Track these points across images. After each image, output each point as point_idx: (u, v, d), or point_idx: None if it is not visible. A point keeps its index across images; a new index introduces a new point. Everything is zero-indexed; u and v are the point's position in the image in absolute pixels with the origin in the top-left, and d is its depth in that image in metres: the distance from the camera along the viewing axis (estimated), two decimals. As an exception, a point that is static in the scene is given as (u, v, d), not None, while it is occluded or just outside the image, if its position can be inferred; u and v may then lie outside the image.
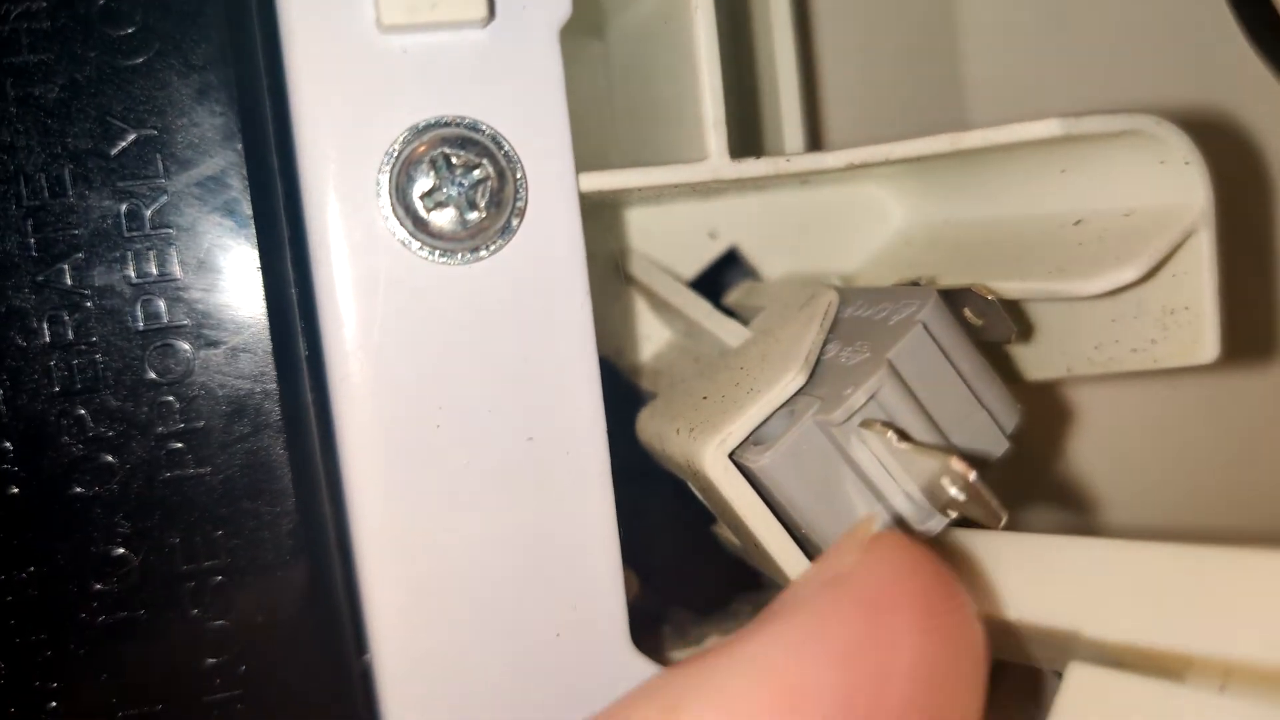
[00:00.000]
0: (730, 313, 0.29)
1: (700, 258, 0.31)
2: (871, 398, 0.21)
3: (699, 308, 0.28)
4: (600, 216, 0.29)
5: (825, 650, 0.15)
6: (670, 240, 0.31)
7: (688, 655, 0.27)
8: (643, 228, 0.31)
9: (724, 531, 0.28)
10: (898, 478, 0.21)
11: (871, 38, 0.35)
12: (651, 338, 0.32)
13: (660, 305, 0.30)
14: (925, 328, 0.22)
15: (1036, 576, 0.19)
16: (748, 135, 0.31)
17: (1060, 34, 0.35)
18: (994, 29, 0.35)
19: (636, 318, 0.31)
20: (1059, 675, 0.18)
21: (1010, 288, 0.24)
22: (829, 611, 0.15)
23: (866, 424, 0.21)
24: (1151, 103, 0.28)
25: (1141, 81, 0.35)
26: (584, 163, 0.22)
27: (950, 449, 0.21)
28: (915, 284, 0.26)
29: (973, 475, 0.18)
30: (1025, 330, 0.27)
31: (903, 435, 0.20)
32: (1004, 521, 0.18)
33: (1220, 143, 0.22)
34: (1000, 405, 0.22)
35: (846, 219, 0.32)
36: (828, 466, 0.21)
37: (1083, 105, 0.23)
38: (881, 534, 0.17)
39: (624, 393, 0.30)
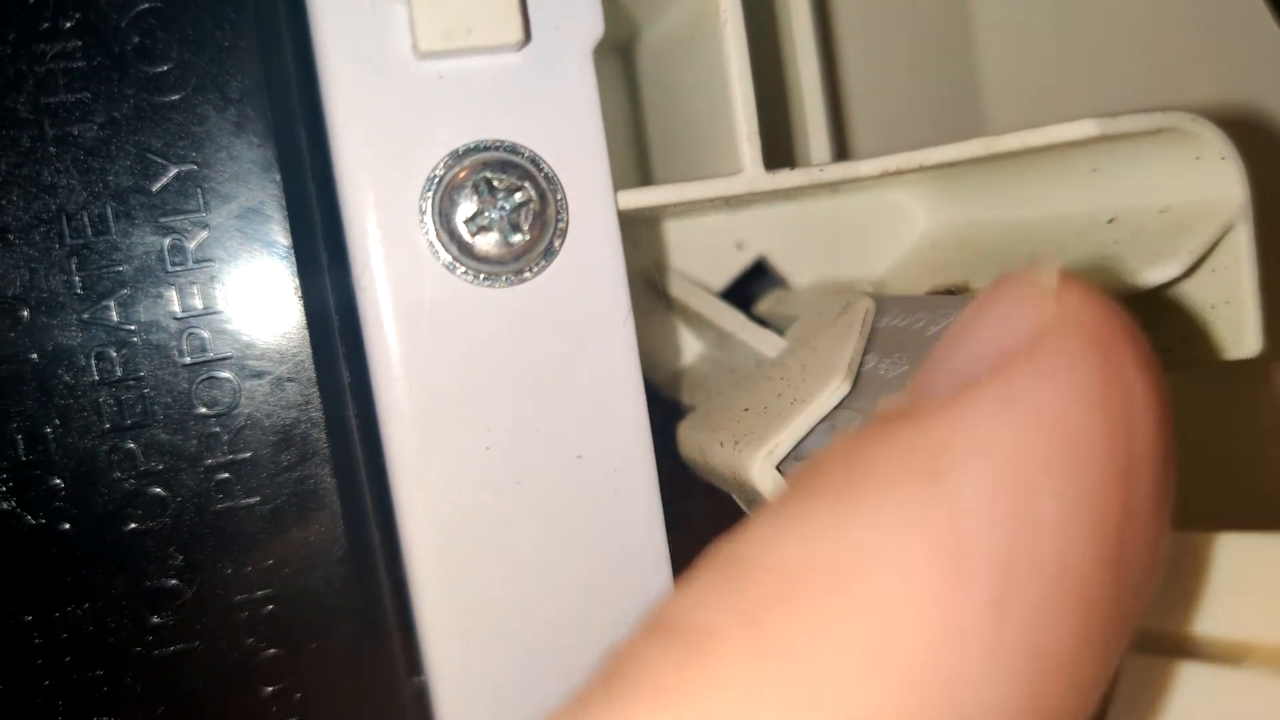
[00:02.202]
0: (762, 323, 0.29)
1: (728, 269, 0.32)
2: (916, 408, 0.21)
3: (734, 320, 0.28)
4: (632, 233, 0.30)
5: (1088, 394, 0.13)
6: (698, 252, 0.31)
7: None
8: (670, 241, 0.31)
9: (767, 542, 0.28)
10: None
11: (888, 43, 0.35)
12: (683, 350, 0.32)
13: (692, 318, 0.30)
14: None
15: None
16: (775, 146, 0.31)
17: (1076, 34, 0.35)
18: (1009, 31, 0.35)
19: (669, 331, 0.31)
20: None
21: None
22: (1071, 356, 0.13)
23: None
24: (1172, 99, 0.28)
25: (1159, 78, 0.35)
26: (615, 180, 0.22)
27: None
28: (950, 292, 0.26)
29: None
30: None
31: None
32: None
33: (1252, 136, 0.23)
34: (1043, 409, 0.22)
35: (871, 224, 0.32)
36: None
37: (1099, 104, 0.23)
38: (1066, 282, 0.14)
39: (660, 406, 0.30)
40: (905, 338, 0.23)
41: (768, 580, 0.12)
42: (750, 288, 0.32)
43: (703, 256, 0.31)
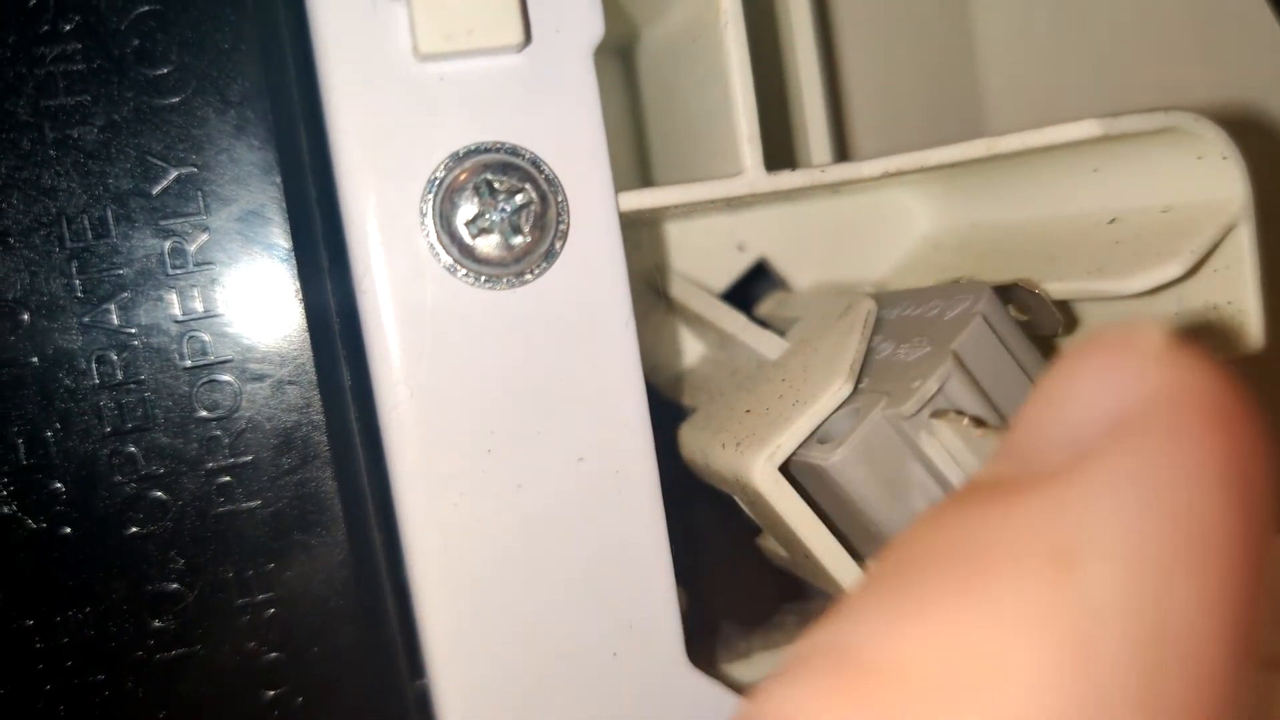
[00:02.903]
0: (763, 324, 0.29)
1: (730, 270, 0.31)
2: (941, 388, 0.21)
3: (735, 321, 0.28)
4: (633, 235, 0.30)
5: (1217, 474, 0.12)
6: (699, 254, 0.31)
7: (736, 668, 0.27)
8: (670, 242, 0.31)
9: (769, 543, 0.28)
10: (967, 468, 0.21)
11: (889, 44, 0.35)
12: (684, 352, 0.32)
13: (694, 320, 0.30)
14: (985, 319, 0.22)
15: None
16: (776, 147, 0.31)
17: (1076, 34, 0.35)
18: (1009, 32, 0.35)
19: (671, 333, 0.31)
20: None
21: (1048, 289, 0.24)
22: (1194, 430, 0.12)
23: (938, 414, 0.21)
24: (1173, 99, 0.28)
25: (1160, 78, 0.35)
26: (616, 182, 0.22)
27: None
28: (957, 283, 0.26)
29: None
30: (1069, 325, 0.27)
31: (978, 421, 0.20)
32: None
33: (1254, 136, 0.23)
34: (1057, 394, 0.22)
35: (873, 226, 0.32)
36: (897, 460, 0.21)
37: (1100, 104, 0.23)
38: (1176, 346, 0.13)
39: (662, 408, 0.30)
40: (922, 324, 0.23)
41: (887, 686, 0.11)
42: (751, 289, 0.32)
43: (704, 258, 0.31)
